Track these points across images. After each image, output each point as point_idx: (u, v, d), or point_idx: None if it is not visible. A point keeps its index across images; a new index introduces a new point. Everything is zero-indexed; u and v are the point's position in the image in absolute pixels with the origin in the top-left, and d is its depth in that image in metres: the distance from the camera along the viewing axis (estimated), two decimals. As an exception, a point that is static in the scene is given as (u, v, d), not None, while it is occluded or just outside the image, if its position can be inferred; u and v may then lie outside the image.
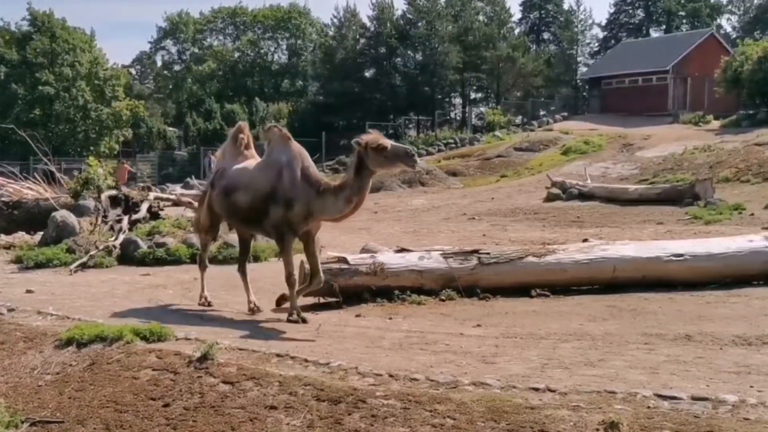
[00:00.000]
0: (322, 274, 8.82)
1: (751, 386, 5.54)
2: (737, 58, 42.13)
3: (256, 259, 13.52)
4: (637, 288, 9.85)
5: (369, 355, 6.74)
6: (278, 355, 6.61)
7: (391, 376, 5.84)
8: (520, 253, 10.31)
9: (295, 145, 8.84)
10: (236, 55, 70.92)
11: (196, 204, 19.88)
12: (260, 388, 5.81)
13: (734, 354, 6.74)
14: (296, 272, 8.88)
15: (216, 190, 9.34)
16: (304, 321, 8.43)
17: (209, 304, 9.54)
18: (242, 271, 9.51)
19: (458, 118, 61.80)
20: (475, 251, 10.39)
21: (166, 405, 5.99)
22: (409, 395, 5.33)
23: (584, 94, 63.14)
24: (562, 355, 6.73)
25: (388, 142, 8.10)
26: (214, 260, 13.40)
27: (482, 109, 62.41)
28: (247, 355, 6.71)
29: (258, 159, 9.44)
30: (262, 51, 71.80)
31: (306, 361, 6.41)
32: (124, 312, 9.01)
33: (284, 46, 72.79)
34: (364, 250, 11.43)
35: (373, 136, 8.16)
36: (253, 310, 9.14)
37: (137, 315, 8.70)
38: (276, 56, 73.21)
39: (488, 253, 10.31)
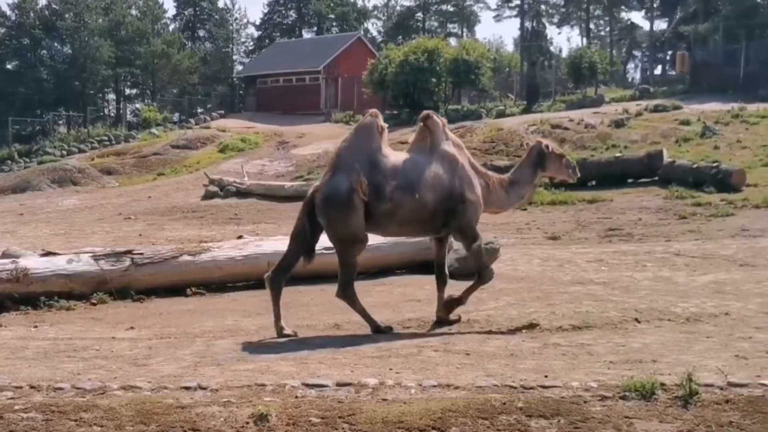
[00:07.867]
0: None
1: (390, 368, 5.91)
2: (382, 61, 44.75)
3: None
4: (292, 281, 10.08)
5: (9, 367, 6.30)
6: None
7: (32, 387, 5.50)
8: (174, 252, 10.22)
9: (452, 134, 8.06)
10: None
11: None
12: None
13: (380, 338, 7.17)
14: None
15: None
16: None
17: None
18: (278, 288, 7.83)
19: (113, 114, 59.61)
20: (128, 252, 10.17)
21: None
22: (52, 406, 5.04)
23: (240, 92, 63.77)
24: (216, 352, 6.75)
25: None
26: None
27: (138, 105, 60.76)
28: None
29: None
30: None
31: (-71, 380, 5.83)
32: None
33: None
34: (4, 255, 10.63)
35: (552, 142, 8.76)
36: (289, 335, 7.50)
37: None
38: None
39: (142, 254, 10.13)
